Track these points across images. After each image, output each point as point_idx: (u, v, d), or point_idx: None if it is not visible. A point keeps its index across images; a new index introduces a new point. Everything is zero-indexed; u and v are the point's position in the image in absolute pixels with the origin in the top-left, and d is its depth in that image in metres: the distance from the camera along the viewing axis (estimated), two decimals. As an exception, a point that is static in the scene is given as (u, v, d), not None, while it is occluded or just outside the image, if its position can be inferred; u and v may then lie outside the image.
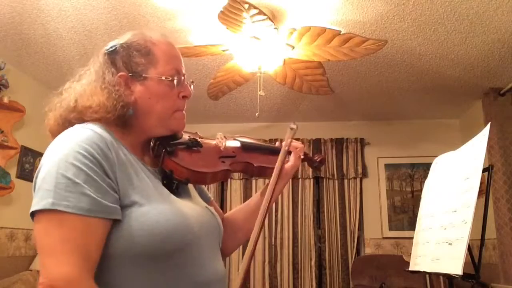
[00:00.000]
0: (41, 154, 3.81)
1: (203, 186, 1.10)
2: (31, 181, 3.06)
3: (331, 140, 4.46)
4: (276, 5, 2.48)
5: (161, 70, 0.91)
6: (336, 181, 4.37)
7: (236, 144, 1.09)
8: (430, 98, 3.89)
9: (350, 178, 4.36)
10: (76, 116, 0.88)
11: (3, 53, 3.10)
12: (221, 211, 1.12)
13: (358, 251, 4.28)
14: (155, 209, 0.80)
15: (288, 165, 1.08)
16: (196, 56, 2.65)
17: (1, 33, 2.84)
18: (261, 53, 2.46)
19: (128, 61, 0.92)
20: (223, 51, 2.60)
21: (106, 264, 0.76)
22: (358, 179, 4.36)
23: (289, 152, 1.09)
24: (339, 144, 4.44)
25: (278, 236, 4.26)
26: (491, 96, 3.55)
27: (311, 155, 1.25)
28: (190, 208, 0.89)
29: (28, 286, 3.00)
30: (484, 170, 1.39)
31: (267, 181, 1.03)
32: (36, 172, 0.81)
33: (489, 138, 1.39)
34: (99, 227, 0.75)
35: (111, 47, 0.95)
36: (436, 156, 1.84)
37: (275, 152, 1.07)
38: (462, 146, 1.59)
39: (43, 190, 0.75)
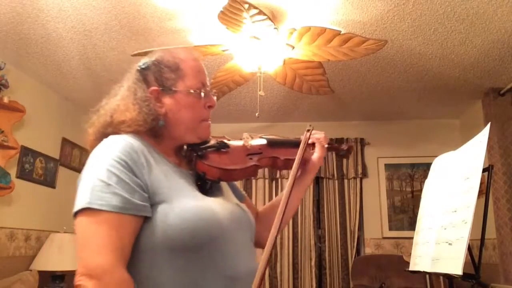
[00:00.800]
0: (41, 154, 3.81)
1: (237, 185, 1.20)
2: (31, 181, 3.08)
3: (331, 140, 4.46)
4: (276, 5, 2.48)
5: (189, 83, 1.01)
6: (336, 181, 4.37)
7: (262, 141, 1.17)
8: (430, 98, 3.89)
9: (350, 178, 4.36)
10: (112, 130, 0.98)
11: (3, 53, 3.10)
12: (254, 206, 1.23)
13: (358, 251, 4.28)
14: (184, 206, 0.87)
15: (314, 157, 1.18)
16: (196, 56, 2.65)
17: (1, 33, 2.84)
18: (261, 53, 2.46)
19: (159, 76, 1.01)
20: (223, 51, 2.60)
21: (142, 257, 0.85)
22: (358, 179, 4.36)
23: (312, 144, 1.20)
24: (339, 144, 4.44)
25: (278, 236, 4.25)
26: (491, 96, 3.55)
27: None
28: (220, 204, 0.95)
29: (28, 286, 3.00)
30: (484, 170, 1.39)
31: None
32: (78, 180, 0.90)
33: (489, 138, 1.39)
34: (130, 222, 0.84)
35: (144, 64, 1.04)
36: (436, 156, 1.84)
37: (299, 145, 1.12)
38: (462, 146, 1.59)
39: (82, 193, 0.85)
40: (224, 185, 1.09)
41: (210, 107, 1.05)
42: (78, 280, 0.78)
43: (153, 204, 0.87)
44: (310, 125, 1.15)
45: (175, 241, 0.84)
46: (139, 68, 1.04)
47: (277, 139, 1.20)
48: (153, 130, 0.98)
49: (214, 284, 0.86)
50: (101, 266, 0.78)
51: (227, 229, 0.91)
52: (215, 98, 1.07)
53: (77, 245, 0.83)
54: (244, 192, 1.22)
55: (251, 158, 1.08)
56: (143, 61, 1.05)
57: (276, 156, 1.12)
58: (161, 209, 0.86)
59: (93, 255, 0.80)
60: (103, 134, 0.97)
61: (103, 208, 0.82)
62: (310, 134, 1.13)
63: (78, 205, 0.84)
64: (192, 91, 1.01)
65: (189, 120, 1.01)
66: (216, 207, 0.92)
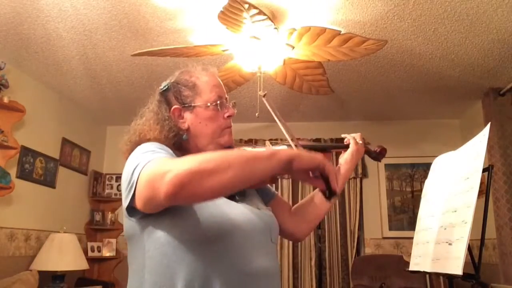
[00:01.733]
0: (41, 154, 3.81)
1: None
2: (31, 181, 3.07)
3: (331, 140, 4.46)
4: (276, 5, 2.48)
5: (206, 98, 1.10)
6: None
7: (283, 148, 1.17)
8: (430, 98, 3.89)
9: (350, 178, 4.36)
10: None
11: (3, 53, 3.10)
12: (286, 202, 1.32)
13: (358, 251, 4.28)
14: (202, 206, 0.93)
15: (349, 150, 1.32)
16: (196, 56, 2.65)
17: (1, 33, 2.84)
18: (261, 53, 2.46)
19: (179, 95, 1.11)
20: (223, 51, 2.60)
21: (165, 249, 0.92)
22: (358, 179, 4.36)
23: (346, 146, 1.32)
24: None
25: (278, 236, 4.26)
26: (491, 96, 3.55)
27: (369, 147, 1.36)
28: (237, 207, 1.01)
29: (28, 286, 3.00)
30: (484, 170, 1.39)
31: None
32: (121, 182, 0.98)
33: (489, 138, 1.39)
34: None
35: (164, 86, 1.14)
36: (436, 156, 1.83)
37: (325, 150, 1.13)
38: (462, 146, 1.59)
39: (130, 174, 0.90)
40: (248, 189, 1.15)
41: (229, 116, 1.12)
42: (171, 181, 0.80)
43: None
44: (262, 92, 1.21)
45: (191, 234, 0.91)
46: (160, 91, 1.14)
47: (302, 145, 1.22)
48: (177, 145, 1.07)
49: (226, 277, 0.90)
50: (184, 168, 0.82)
51: (240, 227, 0.96)
52: (235, 109, 1.15)
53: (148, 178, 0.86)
54: (274, 190, 1.29)
55: None
56: (164, 84, 1.15)
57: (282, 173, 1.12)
58: (182, 208, 0.92)
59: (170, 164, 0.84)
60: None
61: (153, 160, 0.88)
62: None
63: (130, 188, 0.89)
64: (209, 104, 1.09)
65: (210, 130, 1.09)
66: (232, 209, 0.98)
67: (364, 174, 4.41)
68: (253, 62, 2.51)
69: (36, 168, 3.57)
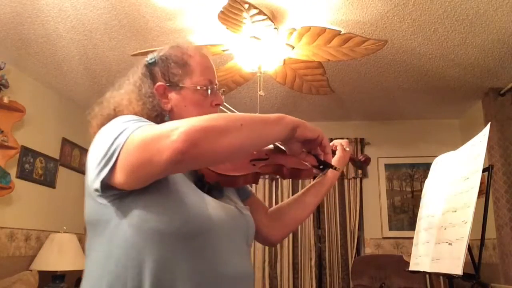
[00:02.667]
0: (41, 154, 3.80)
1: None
2: (31, 181, 3.06)
3: (331, 140, 4.45)
4: (276, 5, 2.48)
5: (196, 80, 1.00)
6: (336, 181, 4.36)
7: (269, 146, 1.11)
8: (430, 98, 3.89)
9: (350, 178, 4.36)
10: None
11: (3, 53, 3.10)
12: (262, 203, 1.22)
13: (358, 251, 4.28)
14: (181, 196, 0.85)
15: (334, 158, 1.21)
16: (196, 56, 2.65)
17: (1, 33, 2.84)
18: (261, 53, 2.46)
19: (166, 72, 1.00)
20: (223, 51, 2.60)
21: (135, 240, 0.81)
22: (358, 179, 4.36)
23: (333, 152, 1.22)
24: (339, 144, 4.44)
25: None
26: (491, 96, 3.55)
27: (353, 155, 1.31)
28: (216, 204, 0.92)
29: (28, 286, 3.00)
30: (484, 170, 1.39)
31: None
32: (87, 158, 0.87)
33: (489, 138, 1.39)
34: None
35: (151, 59, 1.02)
36: (436, 156, 1.83)
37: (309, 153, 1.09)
38: (462, 146, 1.59)
39: (109, 143, 0.79)
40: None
41: (217, 105, 1.03)
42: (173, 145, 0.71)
43: (153, 185, 0.82)
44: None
45: (167, 225, 0.81)
46: (146, 63, 1.02)
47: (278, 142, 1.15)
48: None
49: (200, 278, 0.82)
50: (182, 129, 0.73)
51: (218, 225, 0.88)
52: (223, 96, 1.05)
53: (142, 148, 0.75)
54: (250, 189, 1.19)
55: (254, 165, 1.03)
56: (151, 56, 1.03)
57: (282, 164, 1.05)
58: (158, 193, 0.83)
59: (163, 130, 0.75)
60: None
61: (134, 131, 0.78)
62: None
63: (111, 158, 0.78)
64: (198, 87, 0.99)
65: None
66: (210, 204, 0.90)
67: (364, 174, 4.41)
68: (253, 62, 2.51)
69: (36, 168, 3.57)
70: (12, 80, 3.15)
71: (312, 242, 4.25)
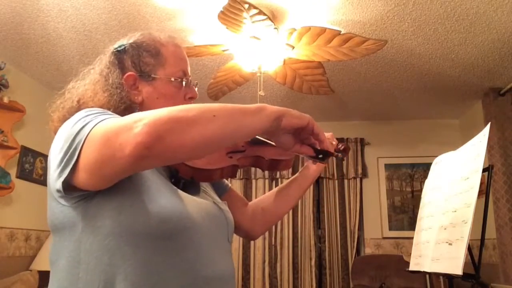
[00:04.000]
0: (41, 154, 3.80)
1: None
2: (31, 181, 3.05)
3: (331, 140, 4.45)
4: (276, 5, 2.48)
5: (169, 71, 0.92)
6: (336, 181, 4.37)
7: None
8: (430, 98, 3.89)
9: (350, 178, 4.36)
10: None
11: (3, 53, 3.10)
12: (241, 196, 1.16)
13: (358, 251, 4.28)
14: (155, 194, 0.78)
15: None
16: (196, 56, 2.65)
17: (1, 33, 2.84)
18: (261, 53, 2.46)
19: (137, 61, 0.92)
20: (223, 51, 2.60)
21: (105, 242, 0.74)
22: (358, 179, 4.36)
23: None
24: (339, 144, 4.44)
25: (278, 236, 4.26)
26: (491, 96, 3.55)
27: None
28: (193, 200, 0.86)
29: (28, 286, 3.00)
30: (484, 170, 1.39)
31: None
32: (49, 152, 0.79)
33: (489, 138, 1.39)
34: None
35: (120, 46, 0.94)
36: (436, 156, 1.83)
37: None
38: (462, 146, 1.59)
39: (70, 139, 0.71)
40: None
41: (191, 98, 0.96)
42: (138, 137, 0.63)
43: (127, 187, 0.76)
44: None
45: (143, 225, 0.74)
46: (114, 51, 0.94)
47: (264, 137, 1.04)
48: None
49: (180, 281, 0.76)
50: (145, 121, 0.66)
51: (198, 222, 0.82)
52: (196, 89, 0.98)
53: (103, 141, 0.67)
54: (227, 182, 1.13)
55: (231, 157, 0.96)
56: (120, 43, 0.95)
57: (261, 155, 0.99)
58: (130, 191, 0.76)
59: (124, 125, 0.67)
60: None
61: (97, 124, 0.70)
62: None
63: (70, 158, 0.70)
64: (173, 79, 0.92)
65: None
66: (188, 202, 0.84)
67: (364, 174, 4.41)
68: (253, 62, 2.51)
69: (36, 168, 3.57)
70: (12, 80, 3.15)
71: (312, 242, 4.25)
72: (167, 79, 0.92)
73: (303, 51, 2.53)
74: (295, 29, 2.38)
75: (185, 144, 0.65)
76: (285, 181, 1.18)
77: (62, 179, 0.71)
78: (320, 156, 0.85)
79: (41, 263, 3.31)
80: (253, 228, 1.13)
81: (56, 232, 0.80)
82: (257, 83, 2.65)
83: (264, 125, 0.75)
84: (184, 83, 0.93)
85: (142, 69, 0.91)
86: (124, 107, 0.87)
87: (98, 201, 0.75)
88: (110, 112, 0.79)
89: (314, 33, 2.35)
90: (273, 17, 2.47)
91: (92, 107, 0.84)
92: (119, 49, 0.93)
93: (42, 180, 3.64)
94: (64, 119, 0.83)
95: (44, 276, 3.28)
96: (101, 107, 0.84)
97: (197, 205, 0.86)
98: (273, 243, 4.26)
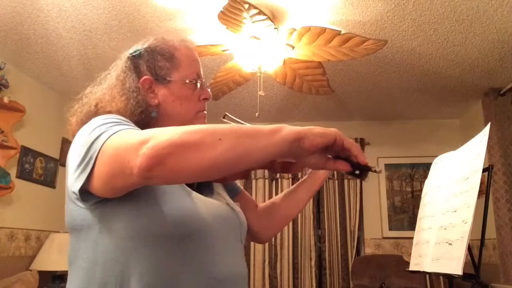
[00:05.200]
0: (41, 154, 3.81)
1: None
2: (31, 181, 3.05)
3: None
4: (276, 5, 2.48)
5: (183, 73, 0.95)
6: (336, 181, 4.37)
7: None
8: (430, 98, 3.89)
9: (350, 178, 4.36)
10: None
11: (3, 53, 3.10)
12: (252, 199, 1.17)
13: (358, 251, 4.28)
14: (169, 197, 0.80)
15: None
16: (196, 56, 2.65)
17: (1, 33, 2.84)
18: (261, 53, 2.46)
19: (152, 65, 0.94)
20: (223, 51, 2.60)
21: (121, 244, 0.76)
22: (358, 179, 4.35)
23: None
24: (339, 144, 4.44)
25: (278, 236, 4.26)
26: (491, 96, 3.55)
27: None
28: (206, 202, 0.88)
29: (28, 286, 2.99)
30: (484, 170, 1.39)
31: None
32: (68, 157, 0.82)
33: (489, 138, 1.39)
34: None
35: (135, 51, 0.97)
36: (436, 156, 1.83)
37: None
38: (462, 146, 1.59)
39: (86, 147, 0.74)
40: (216, 183, 1.02)
41: (205, 99, 0.98)
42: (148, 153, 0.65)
43: (142, 191, 0.78)
44: (225, 114, 1.06)
45: (157, 228, 0.77)
46: (130, 56, 0.97)
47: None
48: (142, 123, 0.88)
49: (194, 282, 0.78)
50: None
51: (211, 224, 0.84)
52: (209, 90, 1.01)
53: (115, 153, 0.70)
54: (239, 185, 1.15)
55: None
56: (135, 48, 0.98)
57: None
58: (146, 194, 0.78)
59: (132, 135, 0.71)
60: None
61: (112, 135, 0.72)
62: None
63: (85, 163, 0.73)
64: (187, 81, 0.95)
65: (184, 111, 0.94)
66: (201, 204, 0.86)
67: (366, 176, 4.40)
68: (253, 62, 2.51)
69: (36, 168, 3.57)
70: (12, 80, 3.15)
71: (312, 242, 4.25)
72: (181, 81, 0.94)
73: (303, 51, 2.53)
74: (295, 29, 2.38)
75: (187, 169, 0.65)
76: (294, 184, 1.18)
77: (79, 185, 0.74)
78: (357, 172, 0.78)
79: (41, 263, 3.31)
80: (263, 231, 1.14)
81: (74, 233, 0.83)
82: (257, 83, 2.65)
83: (280, 149, 0.70)
84: (198, 84, 0.96)
85: (157, 72, 0.94)
86: (141, 110, 0.90)
87: (114, 204, 0.77)
88: (125, 121, 0.81)
89: (314, 33, 2.35)
90: (273, 17, 2.47)
91: (109, 111, 0.87)
92: (134, 54, 0.97)
93: (42, 180, 3.64)
94: (82, 122, 0.85)
95: (44, 276, 3.28)
96: (118, 110, 0.88)
97: (211, 206, 0.88)
98: (273, 243, 4.26)
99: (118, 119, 0.80)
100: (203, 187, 0.94)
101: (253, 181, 4.46)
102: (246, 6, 2.08)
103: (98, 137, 0.73)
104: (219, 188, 1.01)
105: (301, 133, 0.71)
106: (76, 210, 0.81)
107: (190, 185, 0.90)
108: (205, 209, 0.85)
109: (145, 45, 0.98)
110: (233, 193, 1.10)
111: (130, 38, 2.86)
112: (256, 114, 2.94)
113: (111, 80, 0.96)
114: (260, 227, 1.13)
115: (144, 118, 0.90)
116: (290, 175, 4.38)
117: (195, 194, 0.87)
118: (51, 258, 3.33)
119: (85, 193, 0.75)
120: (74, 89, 4.07)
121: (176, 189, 0.83)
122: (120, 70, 0.97)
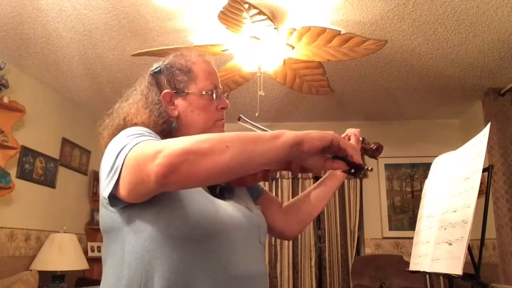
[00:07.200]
0: (41, 154, 3.80)
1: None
2: (31, 181, 3.07)
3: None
4: (276, 5, 2.48)
5: (201, 85, 1.03)
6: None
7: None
8: (430, 98, 3.89)
9: (350, 178, 4.36)
10: None
11: (3, 53, 3.10)
12: (276, 199, 1.24)
13: (358, 251, 4.28)
14: (189, 201, 0.87)
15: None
16: (196, 56, 2.65)
17: (1, 33, 2.84)
18: (261, 53, 2.46)
19: (172, 79, 1.03)
20: (223, 51, 2.60)
21: (146, 244, 0.84)
22: (358, 179, 4.36)
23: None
24: (339, 144, 4.44)
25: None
26: (491, 96, 3.55)
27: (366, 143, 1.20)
28: (225, 205, 0.94)
29: (28, 286, 2.99)
30: (484, 170, 1.39)
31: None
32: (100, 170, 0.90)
33: (489, 138, 1.39)
34: None
35: (156, 68, 1.06)
36: (436, 156, 1.83)
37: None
38: (462, 146, 1.59)
39: (113, 158, 0.82)
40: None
41: (222, 108, 1.06)
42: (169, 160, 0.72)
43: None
44: (240, 116, 1.12)
45: (177, 229, 0.84)
46: (151, 72, 1.06)
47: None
48: (165, 133, 0.97)
49: (213, 280, 0.84)
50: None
51: (230, 226, 0.90)
52: (227, 100, 1.08)
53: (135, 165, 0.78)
54: (262, 186, 1.21)
55: None
56: (156, 65, 1.07)
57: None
58: (167, 198, 0.85)
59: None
60: None
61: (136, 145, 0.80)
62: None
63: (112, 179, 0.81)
64: (204, 92, 1.02)
65: (202, 121, 1.02)
66: (221, 206, 0.92)
67: (364, 174, 4.41)
68: (253, 62, 2.51)
69: (36, 168, 3.57)
70: (12, 80, 3.15)
71: (312, 242, 4.25)
72: (199, 93, 1.02)
73: (303, 51, 2.53)
74: (295, 29, 2.38)
75: (199, 174, 0.73)
76: (316, 182, 1.24)
77: (107, 192, 0.82)
78: (352, 170, 0.84)
79: (41, 263, 3.31)
80: (287, 228, 1.20)
81: (105, 234, 0.92)
82: (257, 83, 2.65)
83: (281, 153, 0.78)
84: (214, 95, 1.03)
85: (176, 86, 1.03)
86: (163, 121, 0.99)
87: (139, 207, 0.85)
88: (148, 132, 0.90)
89: (314, 33, 2.35)
90: (273, 17, 2.47)
91: (135, 123, 0.97)
92: (155, 70, 1.06)
93: (42, 180, 3.64)
94: (112, 135, 0.94)
95: (44, 276, 3.28)
96: (143, 122, 0.97)
97: (228, 209, 0.94)
98: (273, 243, 4.27)
99: (142, 131, 0.89)
100: (226, 191, 1.00)
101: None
102: (246, 6, 2.08)
103: (122, 149, 0.81)
104: (240, 191, 1.07)
105: (300, 138, 0.78)
106: (107, 214, 0.90)
107: (212, 189, 0.97)
108: (223, 211, 0.91)
109: (165, 62, 1.06)
110: (257, 194, 1.17)
111: (130, 38, 2.87)
112: (256, 114, 2.94)
113: (136, 96, 1.05)
114: (285, 224, 1.18)
115: (167, 128, 0.99)
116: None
117: (213, 198, 0.93)
118: (51, 258, 3.33)
119: (113, 198, 0.83)
120: (74, 89, 4.09)
121: (196, 193, 0.89)
122: (144, 86, 1.05)
